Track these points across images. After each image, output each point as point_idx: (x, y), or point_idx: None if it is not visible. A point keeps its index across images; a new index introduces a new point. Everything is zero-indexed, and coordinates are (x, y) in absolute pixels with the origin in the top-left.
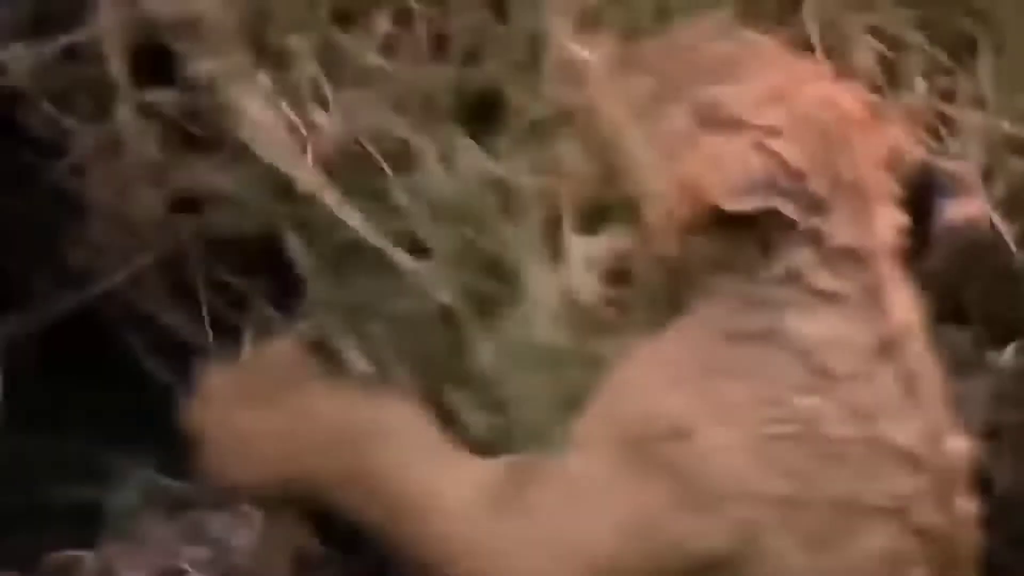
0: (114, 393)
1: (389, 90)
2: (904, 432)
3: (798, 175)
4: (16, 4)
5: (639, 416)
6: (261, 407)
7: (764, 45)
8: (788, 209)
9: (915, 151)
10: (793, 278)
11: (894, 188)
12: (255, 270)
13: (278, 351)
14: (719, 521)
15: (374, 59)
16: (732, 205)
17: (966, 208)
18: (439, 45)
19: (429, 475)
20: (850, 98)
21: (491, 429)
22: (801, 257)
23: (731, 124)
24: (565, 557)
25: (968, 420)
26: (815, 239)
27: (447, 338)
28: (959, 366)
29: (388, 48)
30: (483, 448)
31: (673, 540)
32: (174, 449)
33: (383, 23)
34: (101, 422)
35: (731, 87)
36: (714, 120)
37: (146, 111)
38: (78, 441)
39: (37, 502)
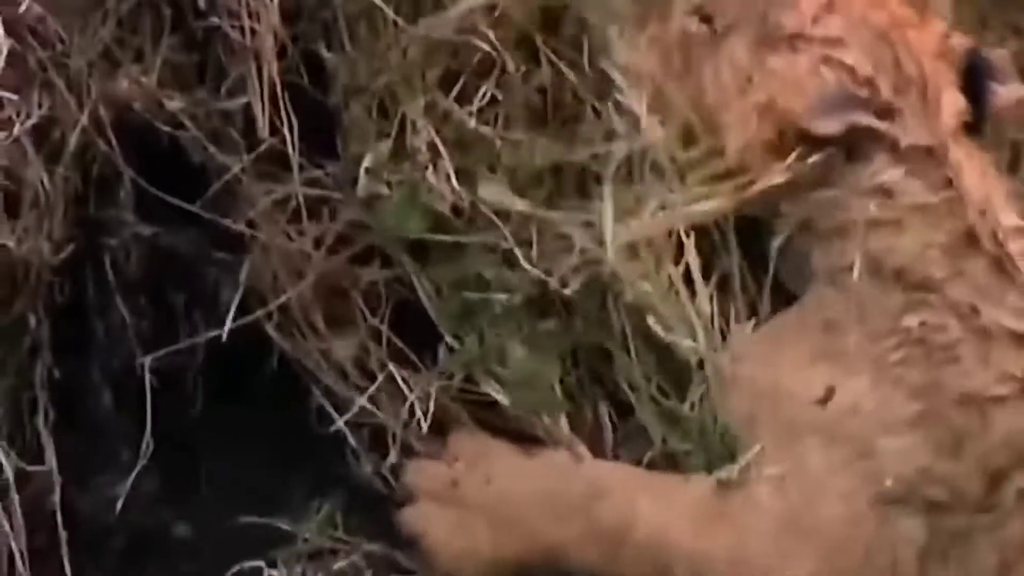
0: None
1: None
2: (1006, 314)
3: (869, 82)
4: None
5: (787, 390)
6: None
7: None
8: (869, 119)
9: (962, 40)
10: (878, 191)
11: (951, 75)
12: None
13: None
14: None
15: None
16: (818, 127)
17: (1016, 91)
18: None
19: (655, 512)
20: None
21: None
22: (882, 165)
23: (793, 42)
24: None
25: None
26: (891, 145)
27: None
28: None
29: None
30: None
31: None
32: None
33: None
34: (270, 449)
35: (784, 7)
36: (776, 41)
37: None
38: (256, 468)
39: (224, 525)
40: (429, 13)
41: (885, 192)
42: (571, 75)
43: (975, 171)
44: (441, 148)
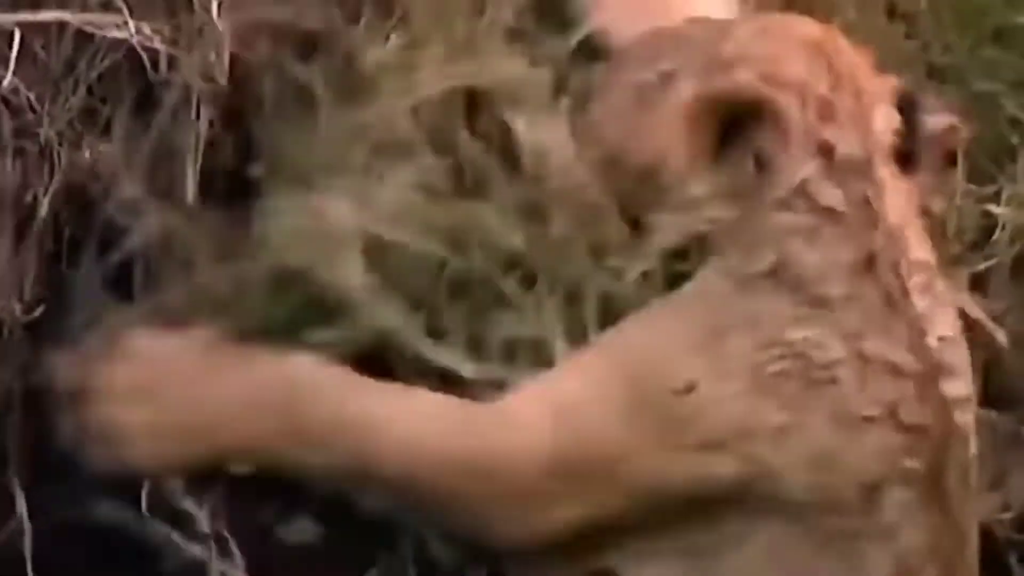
0: None
1: None
2: (887, 345)
3: (804, 86)
4: None
5: (649, 364)
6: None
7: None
8: (789, 105)
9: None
10: (799, 194)
11: (888, 89)
12: None
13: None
14: (722, 456)
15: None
16: (732, 96)
17: (945, 121)
18: None
19: (379, 406)
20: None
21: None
22: (812, 170)
23: (732, 62)
24: (552, 471)
25: None
26: (823, 149)
27: None
28: None
29: None
30: None
31: (650, 477)
32: None
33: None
34: None
35: (721, 38)
36: (717, 66)
37: None
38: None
39: None
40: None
41: (807, 196)
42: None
43: (897, 195)
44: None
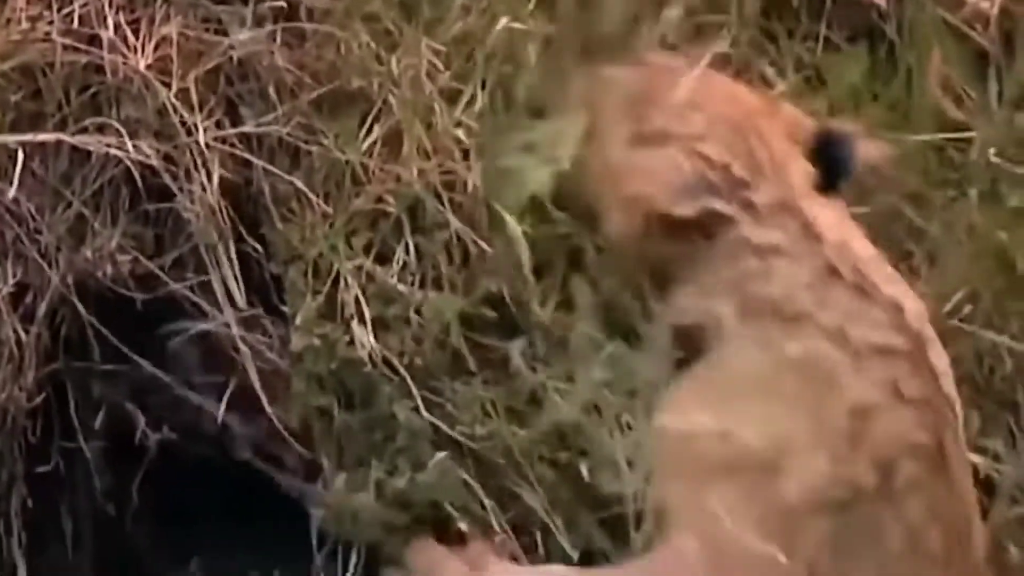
0: None
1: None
2: (872, 330)
3: (724, 167)
4: None
5: (689, 438)
6: None
7: (676, 65)
8: (722, 204)
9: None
10: (742, 246)
11: (799, 150)
12: None
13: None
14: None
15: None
16: (678, 210)
17: (878, 148)
18: None
19: None
20: (751, 94)
21: None
22: (742, 228)
23: (660, 138)
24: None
25: None
26: (747, 207)
27: None
28: None
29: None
30: None
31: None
32: None
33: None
34: None
35: (653, 105)
36: (645, 138)
37: None
38: None
39: None
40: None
41: (752, 247)
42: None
43: (830, 218)
44: (364, 303)
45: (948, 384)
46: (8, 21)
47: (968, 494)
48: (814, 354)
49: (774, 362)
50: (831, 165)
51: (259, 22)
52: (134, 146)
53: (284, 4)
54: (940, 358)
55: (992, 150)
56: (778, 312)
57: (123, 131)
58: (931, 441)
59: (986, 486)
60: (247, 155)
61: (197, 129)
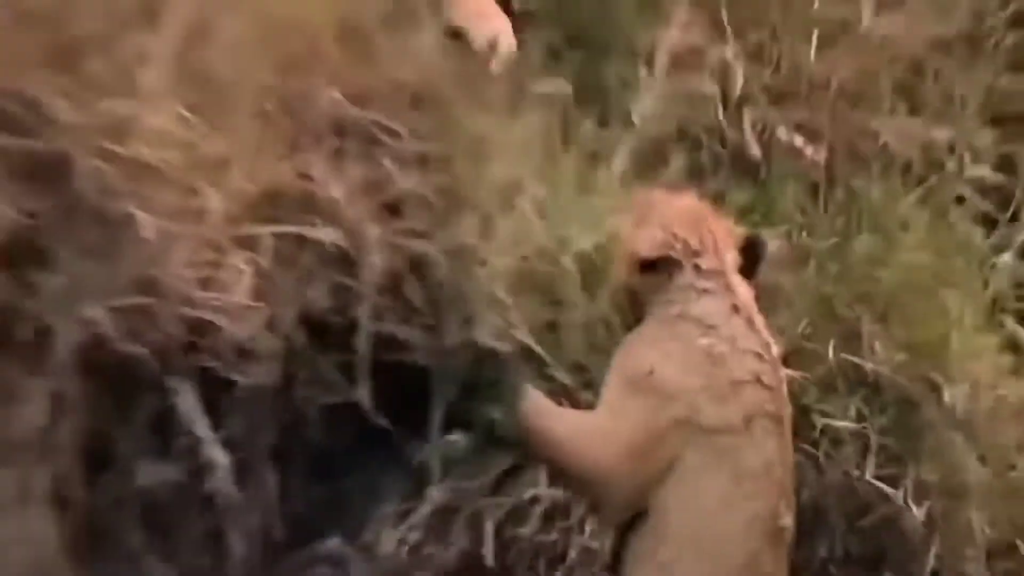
0: None
1: None
2: (752, 343)
3: (684, 239)
4: None
5: (632, 365)
6: None
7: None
8: (678, 256)
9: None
10: (689, 287)
11: (733, 244)
12: None
13: None
14: (673, 404)
15: None
16: (649, 254)
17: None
18: None
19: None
20: (710, 208)
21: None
22: (691, 277)
23: (648, 220)
24: (608, 441)
25: None
26: (696, 268)
27: None
28: None
29: None
30: None
31: (651, 420)
32: None
33: None
34: None
35: (653, 209)
36: (642, 223)
37: None
38: None
39: None
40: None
41: (693, 288)
42: None
43: (741, 285)
44: None
45: (785, 387)
46: None
47: (790, 448)
48: (716, 346)
49: (688, 344)
50: (750, 259)
51: None
52: None
53: None
54: (783, 372)
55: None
56: (698, 322)
57: None
58: (776, 412)
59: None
60: None
61: None
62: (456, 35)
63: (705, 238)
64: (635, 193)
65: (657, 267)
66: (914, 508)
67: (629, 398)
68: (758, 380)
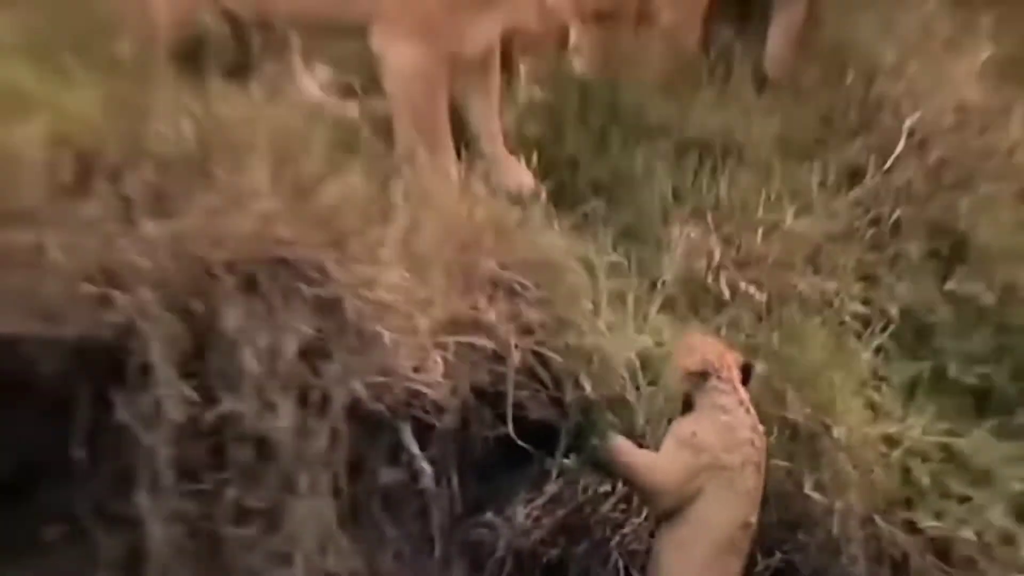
0: None
1: None
2: (748, 421)
3: (712, 363)
4: None
5: (682, 431)
6: None
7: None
8: (709, 368)
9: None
10: (714, 388)
11: (737, 366)
12: None
13: None
14: (704, 455)
15: None
16: (693, 367)
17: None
18: None
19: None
20: (726, 345)
21: None
22: (715, 383)
23: (693, 349)
24: (666, 473)
25: None
26: (718, 377)
27: None
28: None
29: None
30: None
31: (691, 463)
32: None
33: None
34: None
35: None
36: (690, 349)
37: None
38: None
39: None
40: None
41: (717, 389)
42: None
43: (742, 389)
44: None
45: (764, 447)
46: None
47: (763, 484)
48: (730, 423)
49: (714, 420)
50: (745, 373)
51: None
52: None
53: None
54: (763, 438)
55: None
56: (721, 408)
57: None
58: (759, 461)
59: None
60: None
61: None
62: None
63: (723, 360)
64: (685, 334)
65: (698, 376)
66: (816, 495)
67: (679, 449)
68: (751, 443)
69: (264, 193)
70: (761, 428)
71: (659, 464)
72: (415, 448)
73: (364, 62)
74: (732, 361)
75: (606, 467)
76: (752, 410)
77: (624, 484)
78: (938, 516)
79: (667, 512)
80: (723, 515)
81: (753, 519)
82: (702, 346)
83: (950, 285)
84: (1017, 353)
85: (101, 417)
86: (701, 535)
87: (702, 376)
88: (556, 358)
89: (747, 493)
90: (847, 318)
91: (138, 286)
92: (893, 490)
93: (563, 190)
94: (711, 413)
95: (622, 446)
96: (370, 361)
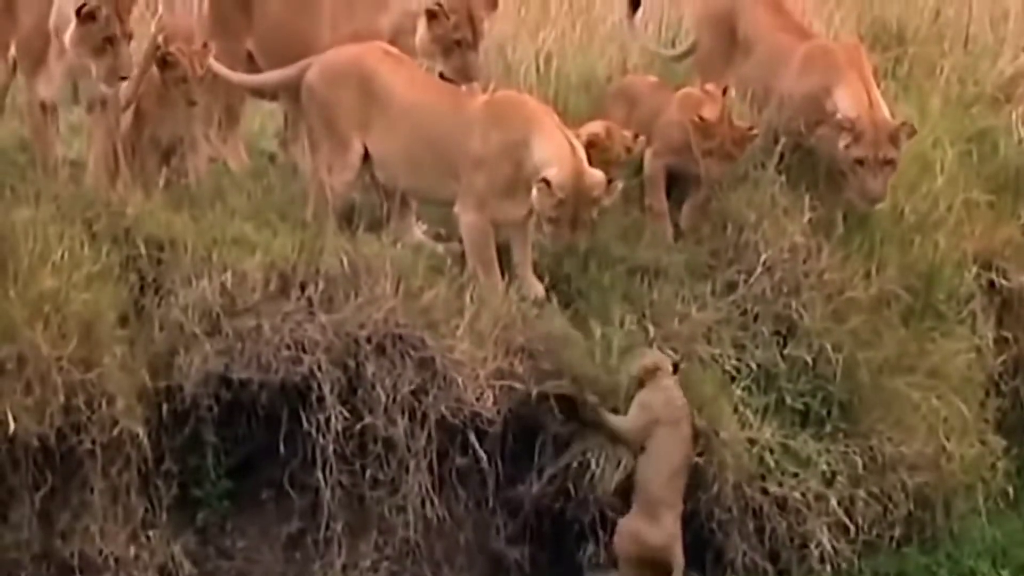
0: None
1: None
2: (681, 400)
3: (660, 363)
4: None
5: (639, 403)
6: None
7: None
8: (661, 365)
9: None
10: (659, 378)
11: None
12: None
13: None
14: (655, 413)
15: None
16: (649, 366)
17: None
18: None
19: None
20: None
21: None
22: (662, 374)
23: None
24: (630, 427)
25: None
26: (661, 371)
27: None
28: None
29: None
30: None
31: (647, 419)
32: None
33: None
34: None
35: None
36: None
37: None
38: None
39: None
40: None
41: (661, 378)
42: None
43: (674, 381)
44: None
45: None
46: None
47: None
48: (669, 395)
49: (659, 394)
50: (675, 370)
51: None
52: None
53: None
54: (688, 405)
55: None
56: (663, 388)
57: None
58: (690, 418)
59: None
60: None
61: None
62: None
63: (665, 363)
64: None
65: (652, 371)
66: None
67: (639, 412)
68: (683, 408)
69: (389, 297)
70: (686, 401)
71: (626, 421)
72: (476, 444)
73: (450, 220)
74: (669, 363)
75: (597, 427)
76: (680, 391)
77: (608, 438)
78: (780, 485)
79: (639, 450)
80: (672, 450)
81: (692, 456)
82: (653, 356)
83: (787, 351)
84: (827, 390)
85: (294, 428)
86: (662, 463)
87: (654, 372)
88: (568, 388)
89: (684, 439)
90: (727, 368)
91: (315, 351)
92: (752, 469)
93: (565, 296)
94: (658, 391)
95: (604, 413)
96: (450, 394)
